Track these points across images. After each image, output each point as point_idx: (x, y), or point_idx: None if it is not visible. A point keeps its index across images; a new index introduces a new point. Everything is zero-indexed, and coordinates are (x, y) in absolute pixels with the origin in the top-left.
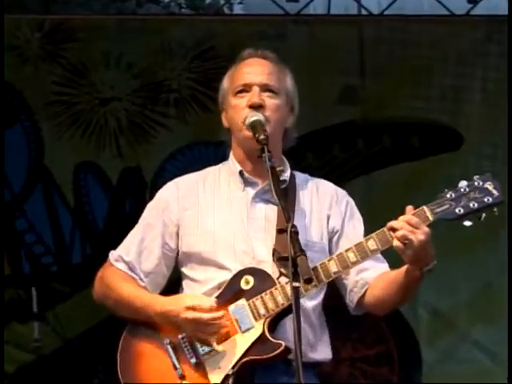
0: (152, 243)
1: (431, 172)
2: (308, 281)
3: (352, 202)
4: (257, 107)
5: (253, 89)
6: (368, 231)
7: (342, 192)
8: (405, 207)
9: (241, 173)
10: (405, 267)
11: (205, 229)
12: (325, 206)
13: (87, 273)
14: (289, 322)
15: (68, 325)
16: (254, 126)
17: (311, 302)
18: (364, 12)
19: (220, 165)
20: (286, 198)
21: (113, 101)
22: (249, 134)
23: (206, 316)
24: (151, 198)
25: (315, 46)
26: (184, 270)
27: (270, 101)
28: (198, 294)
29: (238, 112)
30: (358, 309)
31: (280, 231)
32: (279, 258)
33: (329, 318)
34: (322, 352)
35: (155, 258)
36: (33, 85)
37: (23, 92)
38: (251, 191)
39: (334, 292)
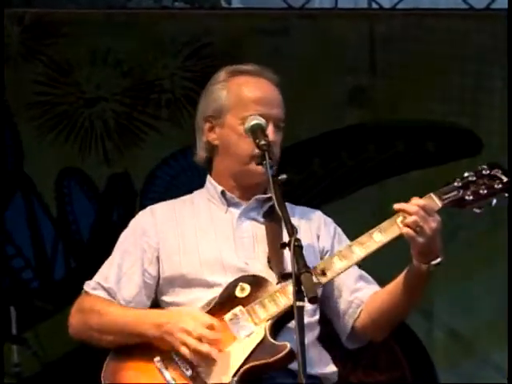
0: (131, 270)
1: (448, 180)
2: (313, 300)
3: (339, 229)
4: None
5: (269, 125)
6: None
7: (328, 218)
8: None
9: (223, 193)
10: (406, 269)
11: (188, 249)
12: (313, 227)
13: (71, 289)
14: (292, 331)
15: (49, 346)
16: (255, 131)
17: (309, 318)
18: (375, 6)
19: (197, 192)
20: (286, 210)
21: (99, 101)
22: (256, 168)
23: (205, 349)
24: (141, 206)
25: (321, 43)
26: (165, 298)
27: (277, 137)
28: (200, 315)
29: (247, 144)
30: (351, 337)
31: (282, 245)
32: (281, 276)
33: (338, 343)
34: (326, 365)
35: (135, 286)
36: (11, 84)
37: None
38: (236, 211)
39: None
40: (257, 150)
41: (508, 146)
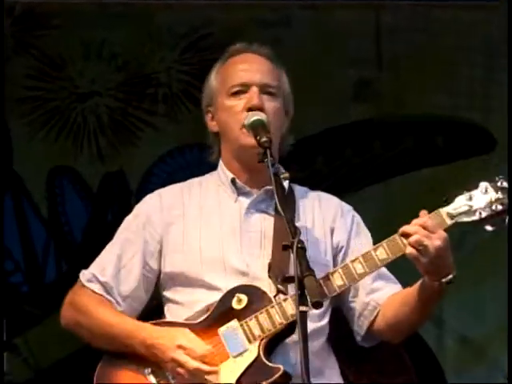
0: (131, 261)
1: (459, 178)
2: (317, 305)
3: (359, 218)
4: (257, 110)
5: (251, 89)
6: None
7: (347, 206)
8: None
9: (233, 181)
10: (420, 281)
11: (190, 245)
12: (328, 219)
13: (62, 293)
14: (290, 347)
15: (40, 353)
16: (255, 127)
17: (316, 323)
18: None
19: (207, 175)
20: (289, 209)
21: (93, 96)
22: (249, 140)
23: (192, 364)
24: None
25: (324, 35)
26: (166, 293)
27: (269, 103)
28: (190, 333)
29: (235, 115)
30: (367, 337)
31: (285, 247)
32: (284, 279)
33: (341, 347)
34: (331, 378)
35: (134, 279)
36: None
37: None
38: (245, 201)
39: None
40: (245, 114)
41: (508, 145)
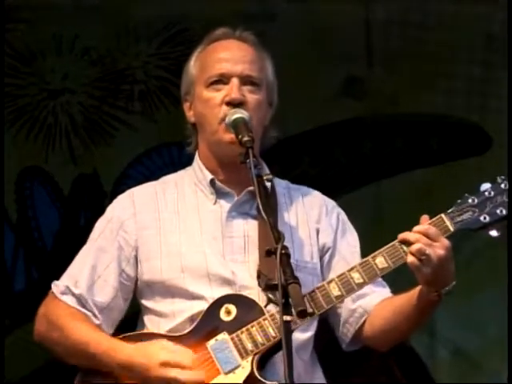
0: (106, 271)
1: (453, 180)
2: (302, 313)
3: (343, 214)
4: (237, 104)
5: (232, 81)
6: (376, 250)
7: (331, 202)
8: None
9: (212, 182)
10: (416, 290)
11: (169, 252)
12: (313, 218)
13: (32, 302)
14: (279, 359)
15: (8, 366)
16: (237, 126)
17: (304, 334)
18: None
19: (182, 171)
20: (272, 210)
21: (65, 93)
22: (227, 136)
23: (183, 377)
24: None
25: (312, 29)
26: (145, 302)
27: (251, 96)
28: (171, 345)
29: (213, 109)
30: (352, 343)
31: (268, 253)
32: (267, 287)
33: (326, 358)
34: None
35: (111, 290)
36: None
37: None
38: (225, 204)
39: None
40: (224, 108)
41: (508, 145)
